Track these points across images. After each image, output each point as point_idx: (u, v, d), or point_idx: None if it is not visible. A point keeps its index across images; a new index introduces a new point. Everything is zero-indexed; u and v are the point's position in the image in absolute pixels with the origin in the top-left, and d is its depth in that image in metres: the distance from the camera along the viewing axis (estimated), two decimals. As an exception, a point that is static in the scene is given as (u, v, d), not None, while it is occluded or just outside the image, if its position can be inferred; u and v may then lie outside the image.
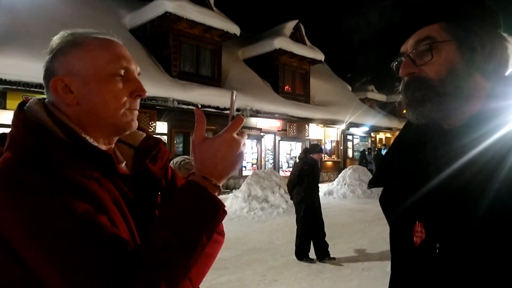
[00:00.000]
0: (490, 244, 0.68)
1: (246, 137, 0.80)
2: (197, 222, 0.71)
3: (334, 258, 5.36)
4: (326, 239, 5.47)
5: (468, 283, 0.70)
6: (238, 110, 11.94)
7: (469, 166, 0.73)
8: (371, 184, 0.97)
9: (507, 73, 0.81)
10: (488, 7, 0.79)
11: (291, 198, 5.86)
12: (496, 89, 0.78)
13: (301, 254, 5.38)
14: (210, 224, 0.72)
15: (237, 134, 0.77)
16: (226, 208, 0.76)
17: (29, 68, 7.55)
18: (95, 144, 0.78)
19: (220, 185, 0.76)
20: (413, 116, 0.82)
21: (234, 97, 0.80)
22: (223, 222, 0.79)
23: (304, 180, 5.55)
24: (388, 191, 0.93)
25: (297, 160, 6.27)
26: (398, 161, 0.91)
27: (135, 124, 0.86)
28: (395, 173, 0.90)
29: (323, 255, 5.35)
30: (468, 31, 0.77)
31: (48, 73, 0.80)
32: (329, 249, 5.41)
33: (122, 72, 0.81)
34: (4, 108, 8.59)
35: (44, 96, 0.84)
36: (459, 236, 0.72)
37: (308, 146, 6.94)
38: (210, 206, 0.73)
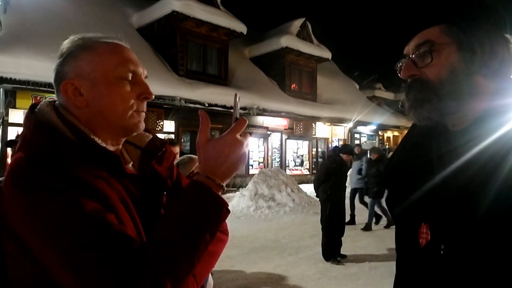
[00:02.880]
0: (494, 245, 0.68)
1: (249, 138, 0.82)
2: (201, 220, 0.72)
3: (345, 256, 5.35)
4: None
5: (472, 284, 0.71)
6: (244, 108, 11.95)
7: (473, 167, 0.73)
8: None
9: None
10: (488, 10, 0.79)
11: (317, 196, 5.85)
12: (500, 90, 0.78)
13: (326, 254, 5.33)
14: (214, 222, 0.75)
15: (240, 135, 0.79)
16: (233, 207, 0.78)
17: (38, 67, 7.64)
18: (103, 145, 0.80)
19: (224, 184, 0.78)
20: (414, 117, 0.83)
21: (237, 100, 0.81)
22: (229, 220, 0.81)
23: (331, 178, 5.55)
24: (394, 192, 0.94)
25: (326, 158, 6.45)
26: (404, 162, 0.91)
27: (142, 125, 0.88)
28: (401, 174, 0.90)
29: (333, 254, 5.33)
30: (467, 33, 0.77)
31: (59, 76, 0.83)
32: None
33: (130, 75, 0.83)
34: (14, 107, 8.71)
35: (54, 97, 0.86)
36: (464, 238, 0.72)
37: (339, 145, 7.18)
38: (214, 205, 0.75)
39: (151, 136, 0.97)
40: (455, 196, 0.75)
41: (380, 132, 21.81)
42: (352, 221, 7.64)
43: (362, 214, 7.72)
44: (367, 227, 7.23)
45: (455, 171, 0.76)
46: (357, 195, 8.16)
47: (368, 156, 8.50)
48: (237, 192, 10.19)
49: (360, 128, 19.25)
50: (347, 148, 5.98)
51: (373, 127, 19.38)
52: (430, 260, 0.77)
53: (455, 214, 0.74)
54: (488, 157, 0.72)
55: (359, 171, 7.98)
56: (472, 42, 0.77)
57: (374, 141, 20.86)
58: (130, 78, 0.83)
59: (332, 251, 5.30)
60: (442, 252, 0.75)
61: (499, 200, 0.67)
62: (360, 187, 8.05)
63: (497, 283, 0.68)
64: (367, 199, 7.83)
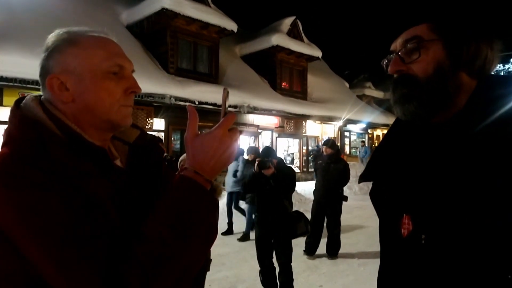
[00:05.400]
0: (472, 235, 0.70)
1: (238, 133, 0.81)
2: (190, 216, 0.72)
3: (334, 254, 5.43)
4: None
5: (452, 272, 0.73)
6: (235, 107, 11.92)
7: (453, 160, 0.76)
8: (362, 178, 0.99)
9: (492, 72, 0.84)
10: (474, 10, 0.82)
11: None
12: (482, 87, 0.81)
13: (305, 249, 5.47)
14: (203, 218, 0.74)
15: (229, 131, 0.79)
16: (223, 205, 0.78)
17: (25, 64, 7.50)
18: (90, 140, 0.80)
19: (212, 180, 0.78)
20: (400, 113, 0.85)
21: (226, 94, 0.81)
22: (219, 219, 0.81)
23: None
24: (377, 185, 0.96)
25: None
26: (386, 155, 0.93)
27: (130, 120, 0.87)
28: (384, 168, 0.92)
29: (313, 250, 5.45)
30: (454, 32, 0.80)
31: (44, 71, 0.82)
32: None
33: (117, 69, 0.83)
34: (1, 104, 8.55)
35: (41, 93, 0.85)
36: (443, 227, 0.75)
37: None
38: (202, 200, 0.75)
39: (139, 132, 0.96)
40: (436, 187, 0.77)
41: (369, 131, 21.97)
42: (229, 230, 6.63)
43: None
44: (245, 237, 6.27)
45: (435, 164, 0.78)
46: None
47: (245, 156, 7.14)
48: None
49: (350, 127, 19.37)
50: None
51: (363, 125, 19.52)
52: (412, 250, 0.80)
53: (435, 205, 0.77)
54: (469, 150, 0.74)
55: (235, 173, 6.72)
56: (458, 40, 0.80)
57: (363, 139, 21.02)
58: (116, 72, 0.83)
59: (312, 246, 5.42)
60: (423, 241, 0.78)
61: (477, 191, 0.69)
62: (236, 191, 6.68)
63: (475, 271, 0.70)
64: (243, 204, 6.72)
